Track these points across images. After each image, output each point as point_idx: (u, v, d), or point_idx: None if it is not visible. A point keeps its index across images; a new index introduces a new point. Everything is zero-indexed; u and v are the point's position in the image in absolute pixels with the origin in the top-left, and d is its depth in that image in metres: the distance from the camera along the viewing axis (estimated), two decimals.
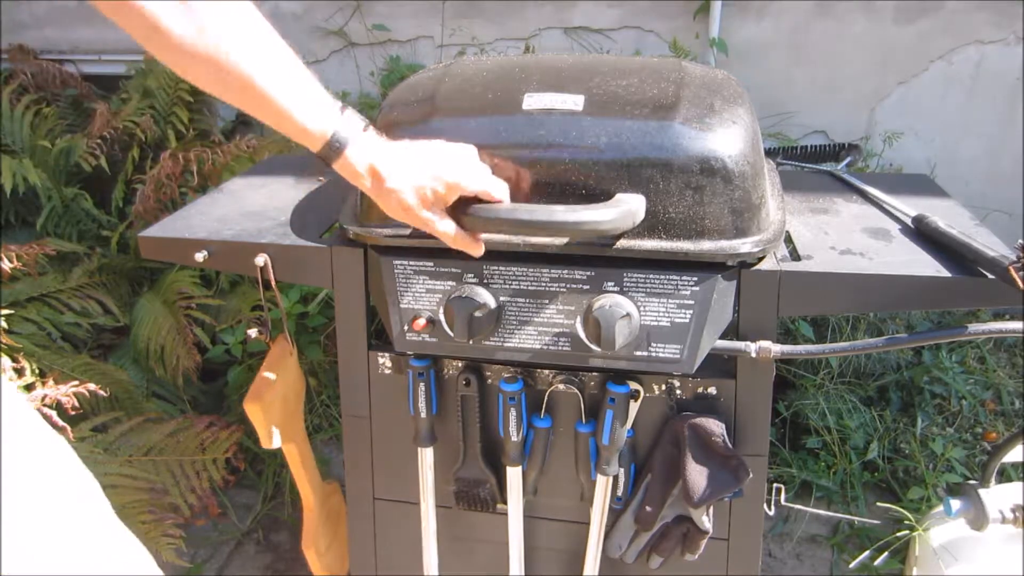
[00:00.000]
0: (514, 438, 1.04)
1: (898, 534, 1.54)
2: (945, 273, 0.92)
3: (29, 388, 1.51)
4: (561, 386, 1.04)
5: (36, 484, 0.68)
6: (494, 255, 0.94)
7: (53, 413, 1.45)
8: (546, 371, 1.04)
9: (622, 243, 0.89)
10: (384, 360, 1.08)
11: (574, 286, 0.92)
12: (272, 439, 1.12)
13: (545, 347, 0.94)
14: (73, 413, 1.48)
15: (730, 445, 0.99)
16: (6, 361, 1.51)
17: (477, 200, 0.83)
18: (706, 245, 0.89)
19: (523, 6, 2.33)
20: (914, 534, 1.38)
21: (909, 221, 1.06)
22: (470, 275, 0.94)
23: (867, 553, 1.63)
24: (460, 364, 1.07)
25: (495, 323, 0.95)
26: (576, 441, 1.06)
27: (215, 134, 2.32)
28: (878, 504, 1.71)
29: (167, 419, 1.75)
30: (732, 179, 0.88)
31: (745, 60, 2.18)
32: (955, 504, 1.17)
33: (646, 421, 1.04)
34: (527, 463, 1.07)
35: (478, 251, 0.87)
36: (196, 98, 2.30)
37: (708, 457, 0.99)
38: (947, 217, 1.01)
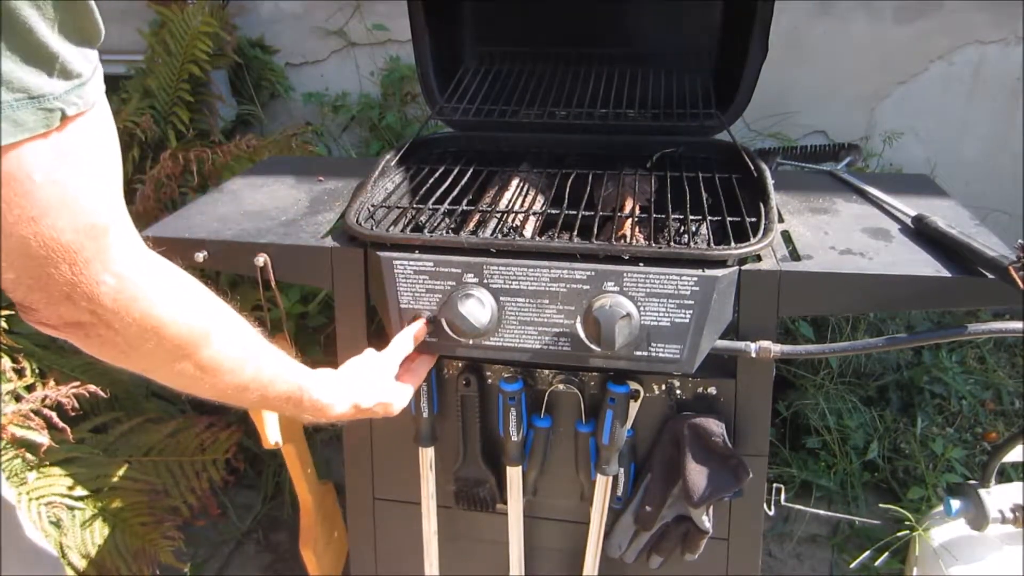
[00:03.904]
0: (514, 438, 1.04)
1: (898, 534, 1.54)
2: (945, 273, 0.92)
3: (29, 388, 1.50)
4: (561, 386, 1.04)
5: None
6: (494, 255, 0.94)
7: (53, 414, 1.44)
8: (546, 371, 1.04)
9: (622, 243, 0.89)
10: None
11: (574, 286, 0.92)
12: (274, 437, 1.13)
13: (545, 347, 0.94)
14: (73, 414, 1.48)
15: (730, 445, 0.99)
16: (6, 361, 1.51)
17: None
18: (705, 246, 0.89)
19: None
20: (914, 534, 1.38)
21: (909, 221, 1.06)
22: (470, 275, 0.94)
23: (867, 553, 1.63)
24: (460, 364, 1.07)
25: (495, 323, 0.95)
26: (576, 441, 1.06)
27: (215, 134, 2.32)
28: (878, 504, 1.71)
29: (167, 419, 1.74)
30: None
31: None
32: (955, 504, 1.17)
33: (646, 421, 1.04)
34: (527, 463, 1.07)
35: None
36: (196, 98, 2.30)
37: (708, 457, 0.99)
38: (947, 217, 1.01)
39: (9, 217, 0.48)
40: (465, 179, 1.17)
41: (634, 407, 1.01)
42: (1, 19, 0.44)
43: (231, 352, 0.69)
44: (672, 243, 0.95)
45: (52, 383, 1.47)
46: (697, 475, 0.99)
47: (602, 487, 1.05)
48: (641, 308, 0.91)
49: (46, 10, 0.46)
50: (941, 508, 1.24)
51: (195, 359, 0.65)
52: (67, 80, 0.49)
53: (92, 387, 1.47)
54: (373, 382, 0.89)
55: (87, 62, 0.51)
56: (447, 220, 1.10)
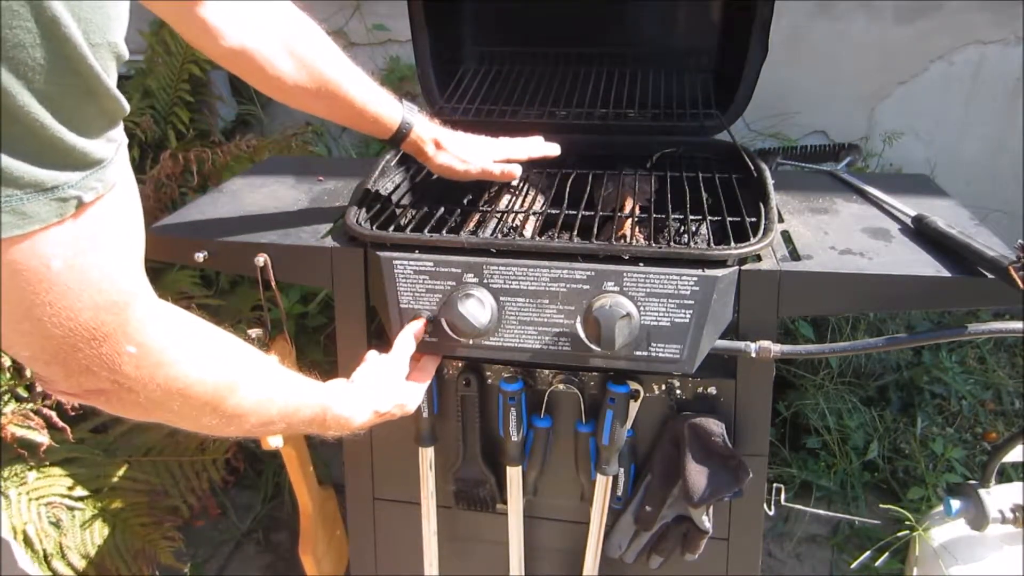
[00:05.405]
0: (514, 438, 1.04)
1: (898, 534, 1.54)
2: (945, 273, 0.92)
3: (29, 388, 1.50)
4: (561, 386, 1.04)
5: None
6: (494, 255, 0.94)
7: (53, 414, 1.44)
8: (546, 371, 1.04)
9: (622, 243, 0.89)
10: None
11: (574, 286, 0.92)
12: (275, 441, 1.13)
13: (545, 347, 0.94)
14: (73, 413, 1.48)
15: (730, 445, 0.99)
16: (6, 360, 1.51)
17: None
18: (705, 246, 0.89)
19: None
20: (914, 534, 1.38)
21: (909, 221, 1.06)
22: (470, 275, 0.94)
23: (867, 553, 1.63)
24: (460, 364, 1.07)
25: (495, 323, 0.95)
26: (576, 441, 1.06)
27: (215, 134, 2.32)
28: (878, 504, 1.71)
29: None
30: None
31: None
32: (955, 504, 1.17)
33: (646, 421, 1.04)
34: (527, 463, 1.07)
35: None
36: (196, 98, 2.30)
37: (708, 457, 0.99)
38: (947, 217, 1.01)
39: (23, 303, 0.46)
40: None
41: (634, 407, 1.01)
42: (2, 119, 0.41)
43: (256, 396, 0.68)
44: (672, 243, 0.95)
45: None
46: (697, 475, 0.99)
47: (602, 487, 1.05)
48: (641, 308, 0.91)
49: (60, 104, 0.42)
50: (941, 508, 1.24)
51: (221, 410, 0.65)
52: (85, 169, 0.46)
53: None
54: (387, 385, 0.90)
55: (109, 143, 0.48)
56: (447, 220, 1.10)
